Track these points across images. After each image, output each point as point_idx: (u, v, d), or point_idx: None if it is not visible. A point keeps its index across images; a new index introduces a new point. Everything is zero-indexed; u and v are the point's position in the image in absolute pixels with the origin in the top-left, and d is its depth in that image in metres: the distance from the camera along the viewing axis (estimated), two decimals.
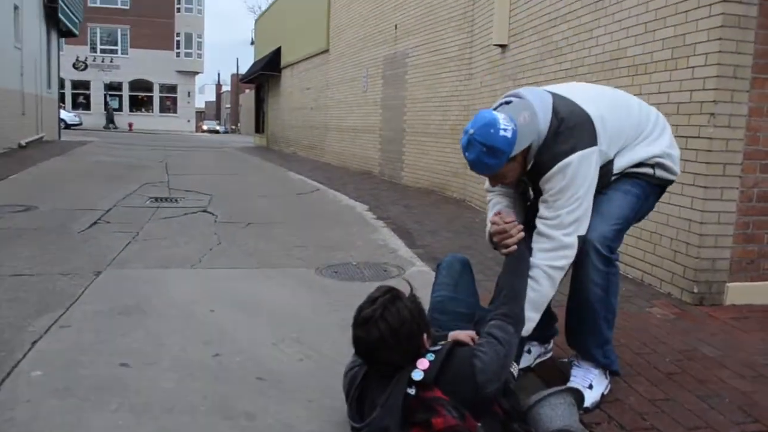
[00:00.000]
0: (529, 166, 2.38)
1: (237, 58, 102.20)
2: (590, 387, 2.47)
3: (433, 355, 2.01)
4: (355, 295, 3.83)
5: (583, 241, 2.36)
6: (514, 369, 2.31)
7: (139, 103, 44.54)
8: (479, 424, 1.95)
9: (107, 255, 4.73)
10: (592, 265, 2.40)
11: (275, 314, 3.47)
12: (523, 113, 2.29)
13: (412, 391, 1.93)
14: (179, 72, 44.18)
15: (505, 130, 2.22)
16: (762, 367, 2.94)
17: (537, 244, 2.35)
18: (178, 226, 6.12)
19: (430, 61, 9.83)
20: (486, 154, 2.23)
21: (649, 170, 2.48)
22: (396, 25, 11.27)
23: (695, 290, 3.94)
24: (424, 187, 10.09)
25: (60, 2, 17.77)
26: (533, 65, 6.28)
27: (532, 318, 2.29)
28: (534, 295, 2.29)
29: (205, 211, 7.08)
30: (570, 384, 2.47)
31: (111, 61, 42.44)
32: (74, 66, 40.33)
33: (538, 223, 2.36)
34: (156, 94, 44.58)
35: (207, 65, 48.76)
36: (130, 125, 41.48)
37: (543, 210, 2.36)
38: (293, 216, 7.09)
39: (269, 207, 7.70)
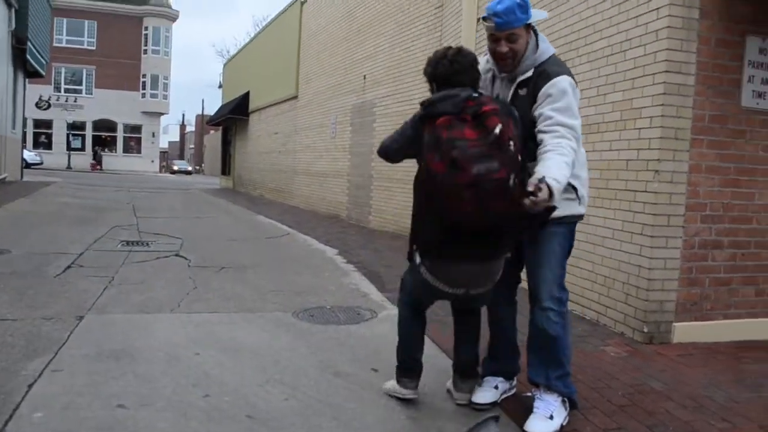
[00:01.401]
0: (530, 72, 2.75)
1: (203, 99, 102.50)
2: (551, 417, 2.76)
3: None
4: (331, 338, 4.10)
5: (536, 285, 2.83)
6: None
7: (103, 143, 44.20)
8: None
9: (86, 299, 4.85)
10: (550, 309, 2.79)
11: (258, 357, 3.67)
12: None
13: None
14: (144, 113, 44.14)
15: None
16: (702, 398, 3.27)
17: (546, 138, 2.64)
18: (153, 270, 6.26)
19: (397, 111, 10.24)
20: (518, 6, 2.66)
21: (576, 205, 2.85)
22: (365, 76, 11.71)
23: (645, 330, 4.29)
24: (391, 231, 10.38)
25: (29, 44, 17.84)
26: None
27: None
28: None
29: (177, 255, 7.21)
30: (533, 415, 2.77)
31: (75, 101, 42.19)
32: (37, 105, 39.93)
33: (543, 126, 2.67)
34: (120, 134, 44.35)
35: (171, 105, 48.75)
36: (93, 165, 41.12)
37: (543, 117, 2.67)
38: (265, 260, 7.27)
39: (241, 251, 7.87)
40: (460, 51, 2.73)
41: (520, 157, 2.49)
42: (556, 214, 2.59)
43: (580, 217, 2.92)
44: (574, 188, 2.79)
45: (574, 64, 5.13)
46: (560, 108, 2.64)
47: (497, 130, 2.39)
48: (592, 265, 4.82)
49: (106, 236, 8.45)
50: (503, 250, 2.71)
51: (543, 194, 2.34)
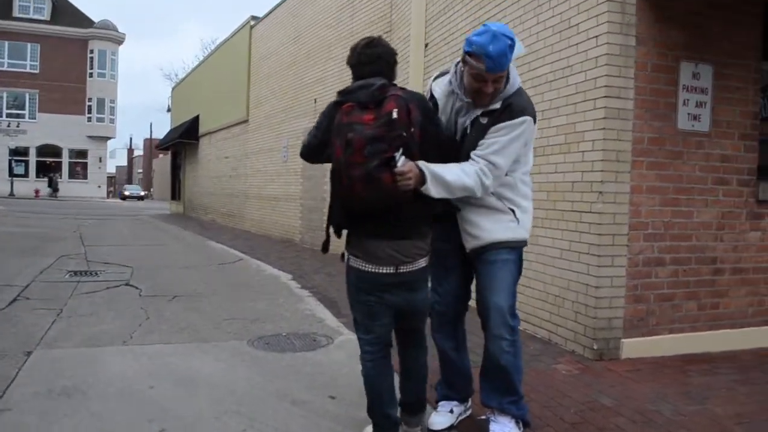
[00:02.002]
0: (497, 104, 2.77)
1: (151, 123, 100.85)
2: None
3: None
4: (288, 365, 4.09)
5: (485, 316, 2.91)
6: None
7: (47, 169, 42.98)
8: None
9: (34, 334, 4.72)
10: (501, 337, 2.86)
11: (214, 388, 3.64)
12: None
13: None
14: (90, 137, 43.14)
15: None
16: (651, 413, 3.39)
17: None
18: (102, 301, 6.12)
19: None
20: (509, 47, 2.60)
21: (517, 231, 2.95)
22: (315, 99, 11.76)
23: (595, 347, 4.41)
24: None
25: None
26: None
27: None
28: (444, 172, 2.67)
29: (128, 284, 7.08)
30: None
31: (17, 126, 40.94)
32: None
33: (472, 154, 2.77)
34: (65, 160, 43.21)
35: (119, 129, 47.59)
36: (37, 192, 39.91)
37: (480, 145, 2.77)
38: (218, 287, 7.19)
39: (193, 278, 7.76)
40: (369, 43, 2.77)
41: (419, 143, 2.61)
42: (499, 238, 2.83)
43: (524, 242, 2.99)
44: (512, 211, 2.90)
45: None
46: (499, 145, 2.73)
47: (394, 114, 2.47)
48: (543, 285, 4.95)
49: (52, 266, 8.24)
50: (409, 231, 2.71)
51: (407, 172, 2.48)
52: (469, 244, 2.94)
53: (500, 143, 2.73)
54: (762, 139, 4.95)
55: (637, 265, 4.52)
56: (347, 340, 4.81)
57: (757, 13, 4.82)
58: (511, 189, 2.90)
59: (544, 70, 4.98)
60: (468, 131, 2.84)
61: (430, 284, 2.90)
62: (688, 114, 4.61)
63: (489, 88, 2.70)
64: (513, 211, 2.90)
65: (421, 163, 2.57)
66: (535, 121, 2.84)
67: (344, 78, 10.53)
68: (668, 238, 4.60)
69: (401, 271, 2.69)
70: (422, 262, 2.75)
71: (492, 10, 5.86)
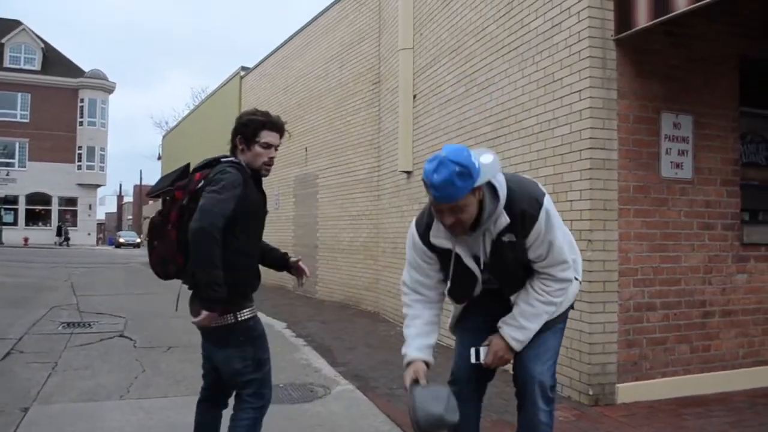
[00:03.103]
0: (500, 219, 2.46)
1: (141, 170, 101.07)
2: None
3: None
4: (286, 418, 4.11)
5: (525, 385, 2.67)
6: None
7: (36, 217, 42.83)
8: None
9: (30, 389, 4.72)
10: (540, 408, 2.65)
11: None
12: (485, 155, 2.42)
13: None
14: (80, 185, 43.17)
15: (473, 158, 2.31)
16: None
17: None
18: (97, 353, 6.11)
19: (340, 182, 10.48)
20: (458, 174, 2.24)
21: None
22: (306, 148, 11.95)
23: (590, 393, 4.47)
24: (338, 301, 10.43)
25: None
26: None
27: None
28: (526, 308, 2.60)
29: (122, 335, 7.07)
30: None
31: (7, 174, 40.88)
32: None
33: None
34: (55, 208, 43.10)
35: (108, 176, 47.75)
36: (26, 240, 39.67)
37: (537, 270, 2.60)
38: None
39: (187, 328, 7.63)
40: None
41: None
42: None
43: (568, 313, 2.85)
44: (576, 278, 2.74)
45: (507, 140, 5.47)
46: (550, 249, 2.52)
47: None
48: None
49: (45, 318, 8.22)
50: (198, 296, 2.71)
51: (492, 363, 2.66)
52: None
53: (550, 243, 2.51)
54: (743, 184, 5.12)
55: (629, 311, 4.61)
56: (344, 390, 4.83)
57: (734, 65, 5.04)
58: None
59: (530, 122, 5.15)
60: (496, 252, 2.54)
61: (247, 353, 2.77)
62: (671, 162, 4.77)
63: (447, 220, 2.39)
64: (576, 278, 2.73)
65: (507, 336, 2.58)
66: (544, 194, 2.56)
67: (334, 127, 10.76)
68: (657, 283, 4.71)
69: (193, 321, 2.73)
70: (223, 319, 2.68)
71: (477, 65, 6.07)
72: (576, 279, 2.74)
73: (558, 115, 4.84)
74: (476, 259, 2.59)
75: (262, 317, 8.61)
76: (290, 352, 6.33)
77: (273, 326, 8.00)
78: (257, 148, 2.84)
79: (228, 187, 2.62)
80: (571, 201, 4.67)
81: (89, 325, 7.81)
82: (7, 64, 41.53)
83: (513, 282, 2.66)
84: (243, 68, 16.70)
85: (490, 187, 2.44)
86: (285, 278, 12.97)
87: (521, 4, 5.36)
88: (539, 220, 2.46)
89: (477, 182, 2.32)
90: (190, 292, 2.80)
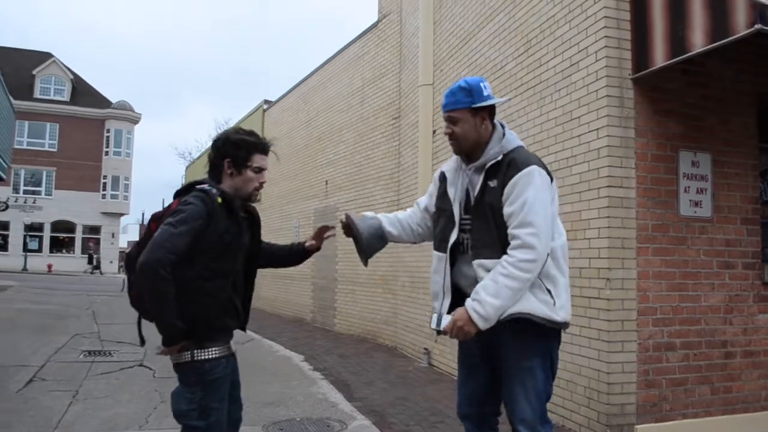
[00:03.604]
0: (497, 157, 2.65)
1: (163, 199, 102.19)
2: None
3: None
4: None
5: (512, 426, 2.64)
6: None
7: (60, 245, 43.51)
8: None
9: (51, 417, 4.78)
10: None
11: None
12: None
13: None
14: (104, 213, 43.84)
15: (486, 89, 2.72)
16: None
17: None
18: (117, 383, 6.18)
19: None
20: (460, 88, 2.70)
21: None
22: (327, 181, 12.07)
23: None
24: (356, 334, 10.42)
25: None
26: None
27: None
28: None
29: (141, 365, 7.13)
30: None
31: (33, 202, 41.74)
32: None
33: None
34: (78, 235, 43.75)
35: (132, 205, 48.50)
36: (49, 266, 40.23)
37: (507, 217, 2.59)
38: None
39: None
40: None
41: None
42: (528, 309, 2.54)
43: (561, 324, 2.66)
44: (549, 291, 2.61)
45: None
46: (522, 205, 2.54)
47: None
48: None
49: (67, 346, 8.32)
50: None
51: (450, 330, 2.57)
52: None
53: (524, 200, 2.54)
54: (764, 222, 5.09)
55: (648, 350, 4.57)
56: (361, 426, 4.83)
57: (751, 102, 5.06)
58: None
59: (548, 160, 5.18)
60: (481, 200, 2.69)
61: (194, 396, 2.59)
62: (690, 200, 4.77)
63: (446, 130, 2.77)
64: (549, 291, 2.61)
65: (468, 308, 2.52)
66: (551, 178, 2.67)
67: (355, 160, 10.87)
68: (677, 323, 4.67)
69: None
70: (180, 356, 2.57)
71: None
72: (553, 298, 2.62)
73: (576, 152, 4.87)
74: (464, 207, 2.76)
75: (281, 349, 8.65)
76: (307, 386, 6.33)
77: (291, 359, 8.03)
78: (249, 173, 2.71)
79: (185, 221, 2.48)
80: (589, 239, 4.67)
81: (110, 353, 7.89)
82: (37, 94, 42.69)
83: (484, 238, 2.65)
84: (266, 101, 16.98)
85: (502, 134, 2.74)
86: (304, 311, 13.02)
87: (540, 44, 5.44)
88: (521, 173, 2.57)
89: (476, 103, 2.68)
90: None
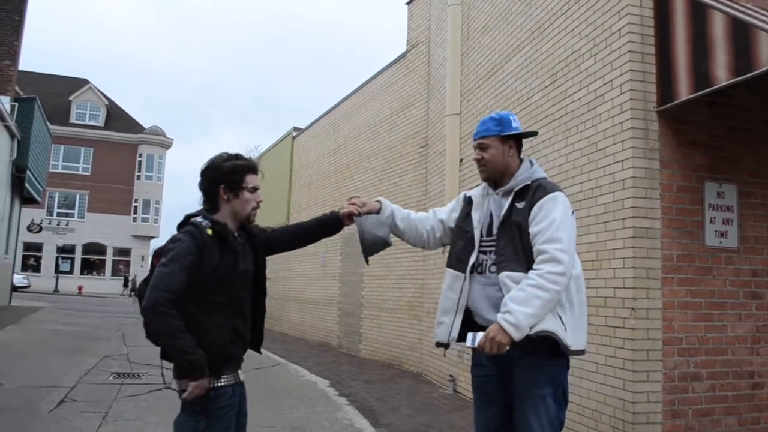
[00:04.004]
0: (525, 183, 2.82)
1: None
2: None
3: None
4: None
5: None
6: None
7: (91, 266, 44.30)
8: None
9: None
10: None
11: None
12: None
13: None
14: (135, 236, 44.59)
15: (515, 121, 2.97)
16: None
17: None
18: (146, 405, 6.28)
19: None
20: (491, 119, 2.95)
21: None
22: None
23: None
24: (381, 360, 10.45)
25: (28, 172, 18.42)
26: None
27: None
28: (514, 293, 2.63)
29: (169, 387, 7.19)
30: None
31: (66, 225, 42.69)
32: (28, 228, 40.31)
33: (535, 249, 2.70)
34: (109, 258, 44.52)
35: (162, 228, 49.25)
36: (80, 288, 40.93)
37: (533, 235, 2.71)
38: (257, 393, 7.25)
39: None
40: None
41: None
42: (547, 329, 2.59)
43: (568, 349, 2.69)
44: (559, 316, 2.67)
45: None
46: (550, 223, 2.67)
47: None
48: (579, 398, 4.98)
49: (97, 367, 8.46)
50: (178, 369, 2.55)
51: (483, 345, 2.60)
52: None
53: (553, 219, 2.68)
54: None
55: (673, 380, 4.56)
56: None
57: None
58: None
59: (573, 190, 5.25)
60: (507, 219, 2.81)
61: (199, 425, 2.57)
62: (716, 231, 4.78)
63: (476, 155, 2.97)
64: (560, 317, 2.67)
65: (499, 319, 2.59)
66: (572, 212, 2.81)
67: (383, 187, 11.01)
68: (703, 353, 4.65)
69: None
70: (183, 383, 2.54)
71: None
72: (564, 325, 2.68)
73: (601, 183, 4.93)
74: (488, 229, 2.89)
75: (306, 374, 8.70)
76: (333, 411, 6.38)
77: (317, 384, 8.09)
78: (246, 194, 2.71)
79: (175, 259, 2.48)
80: (614, 269, 4.71)
81: (138, 376, 8.01)
82: (73, 120, 43.90)
83: (510, 254, 2.75)
84: (295, 128, 17.28)
85: (530, 163, 2.95)
86: (329, 336, 13.09)
87: (565, 76, 5.54)
88: (550, 195, 2.74)
89: (504, 132, 2.90)
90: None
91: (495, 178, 2.94)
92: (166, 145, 46.71)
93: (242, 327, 2.69)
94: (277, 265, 17.44)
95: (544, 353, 2.68)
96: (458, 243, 2.99)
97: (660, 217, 4.61)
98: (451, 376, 7.60)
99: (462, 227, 3.01)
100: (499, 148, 2.91)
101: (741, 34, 3.98)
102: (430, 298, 8.81)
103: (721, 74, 4.11)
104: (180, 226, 2.66)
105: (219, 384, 2.56)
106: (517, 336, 2.56)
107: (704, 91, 4.29)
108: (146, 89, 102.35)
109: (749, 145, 4.95)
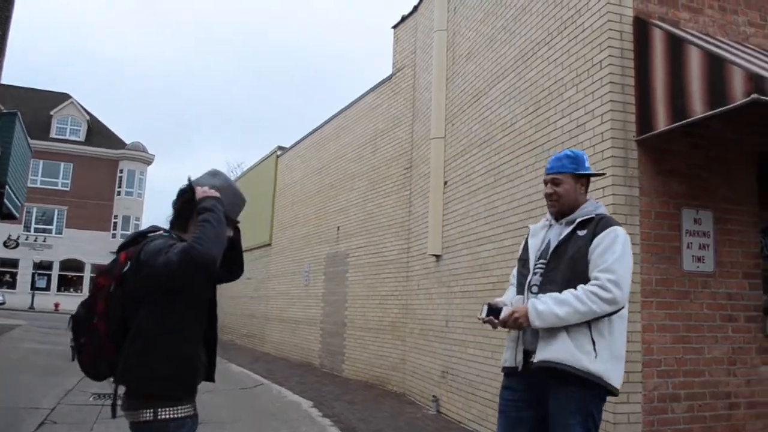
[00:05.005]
0: (588, 216, 2.99)
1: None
2: None
3: None
4: None
5: None
6: None
7: (68, 283, 43.70)
8: None
9: None
10: None
11: None
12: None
13: None
14: (113, 253, 43.56)
15: (587, 161, 3.18)
16: None
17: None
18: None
19: (370, 262, 10.72)
20: (566, 156, 3.11)
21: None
22: (338, 227, 12.29)
23: None
24: (364, 380, 10.47)
25: (7, 188, 18.17)
26: (465, 275, 7.17)
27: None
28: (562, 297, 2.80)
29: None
30: None
31: (44, 240, 42.15)
32: (5, 244, 39.81)
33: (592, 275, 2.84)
34: (87, 274, 43.93)
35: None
36: (56, 305, 40.33)
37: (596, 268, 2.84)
38: (240, 414, 7.29)
39: (215, 403, 7.79)
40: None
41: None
42: (554, 358, 2.78)
43: (593, 376, 2.78)
44: (593, 341, 2.78)
45: None
46: (612, 254, 2.82)
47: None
48: None
49: (76, 388, 8.37)
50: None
51: (508, 320, 2.81)
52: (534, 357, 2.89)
53: (613, 252, 2.83)
54: (766, 276, 5.23)
55: (653, 401, 4.67)
56: None
57: (752, 162, 5.26)
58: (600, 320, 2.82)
59: None
60: (564, 245, 2.97)
61: None
62: (693, 256, 4.94)
63: (548, 189, 3.11)
64: (594, 342, 2.78)
65: (529, 303, 2.83)
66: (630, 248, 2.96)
67: (366, 208, 11.11)
68: (681, 375, 4.78)
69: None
70: (139, 414, 2.39)
71: (505, 158, 6.39)
72: (596, 351, 2.79)
73: None
74: (543, 253, 3.04)
75: (289, 394, 8.68)
76: None
77: (300, 404, 8.09)
78: None
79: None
80: None
81: (119, 396, 7.94)
82: (53, 134, 43.53)
83: (553, 277, 2.93)
84: (279, 147, 17.34)
85: (595, 201, 3.18)
86: (312, 355, 13.08)
87: (548, 104, 5.71)
88: (614, 228, 2.92)
89: (579, 170, 3.09)
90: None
91: (564, 211, 3.10)
92: (148, 161, 46.46)
93: (203, 354, 2.54)
94: (260, 283, 17.43)
95: (577, 383, 2.79)
96: (520, 272, 3.17)
97: (640, 243, 4.75)
98: (434, 396, 7.66)
99: (522, 257, 3.20)
100: (572, 184, 3.09)
101: (716, 68, 4.17)
102: (414, 319, 8.89)
103: (697, 107, 4.29)
104: (129, 245, 2.48)
105: (179, 416, 2.37)
106: (535, 323, 2.78)
107: (681, 123, 4.46)
108: (129, 105, 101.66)
109: (724, 173, 5.13)
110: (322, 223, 13.28)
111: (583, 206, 3.08)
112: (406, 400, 8.69)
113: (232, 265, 2.74)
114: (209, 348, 2.60)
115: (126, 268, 2.39)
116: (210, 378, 2.63)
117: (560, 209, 3.10)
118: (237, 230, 2.75)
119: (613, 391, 2.86)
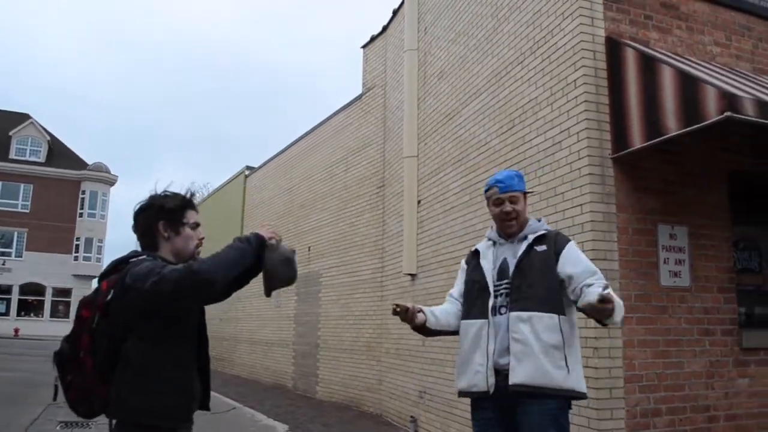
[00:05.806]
0: (541, 231, 3.10)
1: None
2: None
3: None
4: None
5: None
6: None
7: (29, 308, 42.44)
8: None
9: None
10: None
11: None
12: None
13: None
14: (76, 276, 43.05)
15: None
16: None
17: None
18: None
19: (343, 282, 10.63)
20: (517, 175, 3.22)
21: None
22: (309, 247, 12.18)
23: None
24: (339, 401, 10.34)
25: None
26: (441, 294, 7.09)
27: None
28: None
29: None
30: None
31: (3, 264, 40.92)
32: None
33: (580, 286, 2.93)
34: (48, 298, 42.75)
35: (105, 266, 47.76)
36: (16, 330, 39.11)
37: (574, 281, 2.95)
38: None
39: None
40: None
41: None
42: (531, 382, 2.83)
43: (569, 392, 2.90)
44: (565, 357, 2.89)
45: None
46: (585, 264, 3.03)
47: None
48: None
49: (42, 416, 8.12)
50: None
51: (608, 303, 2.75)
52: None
53: (581, 259, 3.06)
54: (740, 289, 5.33)
55: (635, 417, 4.69)
56: None
57: (724, 178, 5.37)
58: (565, 334, 2.95)
59: None
60: (523, 262, 3.03)
61: None
62: (669, 271, 5.00)
63: (507, 207, 3.12)
64: (566, 358, 2.89)
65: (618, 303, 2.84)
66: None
67: (338, 227, 11.04)
68: (662, 389, 4.81)
69: None
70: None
71: (481, 176, 6.41)
72: (568, 367, 2.92)
73: (561, 226, 5.08)
74: (500, 273, 3.08)
75: (263, 418, 8.55)
76: None
77: (275, 428, 7.94)
78: (188, 231, 2.49)
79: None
80: None
81: (87, 425, 7.70)
82: (13, 155, 42.48)
83: (530, 293, 2.95)
84: (248, 167, 17.20)
85: (533, 219, 3.25)
86: (284, 377, 12.88)
87: (523, 122, 5.75)
88: (571, 242, 3.10)
89: (525, 189, 3.22)
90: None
91: (519, 228, 3.16)
92: (110, 182, 45.63)
93: (197, 382, 2.45)
94: (229, 305, 17.15)
95: (550, 396, 2.85)
96: (473, 293, 3.15)
97: (618, 259, 4.79)
98: (412, 417, 7.58)
99: (473, 279, 3.20)
100: (523, 202, 3.19)
101: (688, 87, 4.26)
102: (389, 338, 8.82)
103: (671, 124, 4.36)
104: (110, 273, 2.37)
105: None
106: (616, 319, 2.87)
107: (655, 141, 4.53)
108: (91, 125, 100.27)
109: (697, 189, 5.22)
110: (293, 243, 13.12)
111: (529, 223, 3.18)
112: (383, 421, 8.59)
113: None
114: (202, 373, 2.49)
115: (110, 297, 2.28)
116: (205, 406, 2.53)
117: (517, 226, 3.16)
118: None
119: (582, 398, 3.00)
